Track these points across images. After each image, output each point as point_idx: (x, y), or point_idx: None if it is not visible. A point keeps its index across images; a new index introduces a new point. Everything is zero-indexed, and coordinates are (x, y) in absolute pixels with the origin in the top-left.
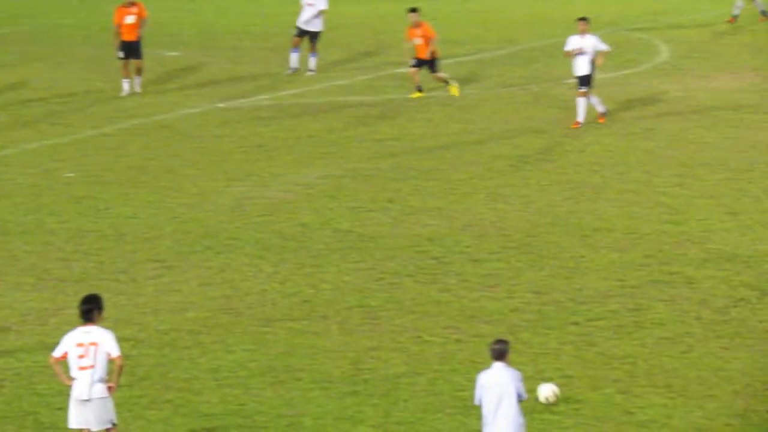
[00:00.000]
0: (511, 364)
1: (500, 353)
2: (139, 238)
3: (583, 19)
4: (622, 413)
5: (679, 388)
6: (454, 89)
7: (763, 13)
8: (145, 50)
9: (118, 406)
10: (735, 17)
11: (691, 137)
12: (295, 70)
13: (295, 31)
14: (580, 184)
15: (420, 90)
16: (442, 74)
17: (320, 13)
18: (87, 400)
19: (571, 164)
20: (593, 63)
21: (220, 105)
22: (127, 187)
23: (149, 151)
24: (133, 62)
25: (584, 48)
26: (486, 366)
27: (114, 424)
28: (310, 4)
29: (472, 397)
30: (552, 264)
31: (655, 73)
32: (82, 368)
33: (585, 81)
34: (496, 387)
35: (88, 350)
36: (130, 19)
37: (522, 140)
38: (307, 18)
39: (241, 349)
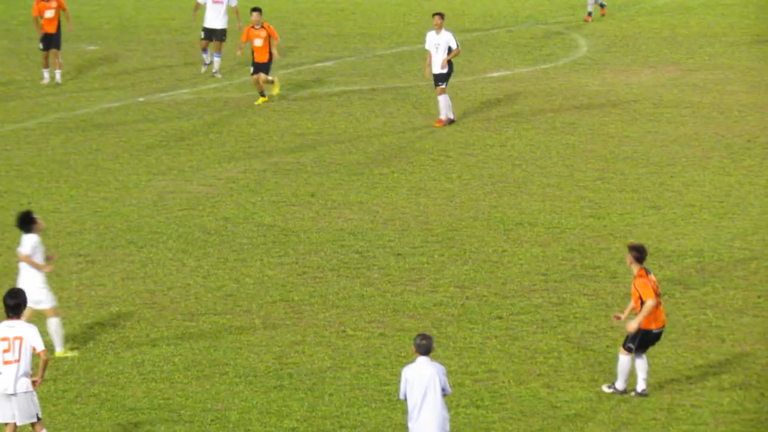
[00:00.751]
0: (435, 358)
1: (426, 348)
2: (62, 232)
3: (438, 14)
4: (548, 407)
5: (604, 383)
6: (277, 88)
7: (601, 5)
8: (65, 44)
9: (43, 400)
10: (590, 14)
11: (612, 132)
12: (209, 65)
13: (201, 33)
14: (503, 179)
15: (263, 95)
16: (271, 77)
17: (229, 10)
18: (12, 395)
19: (492, 158)
20: (450, 60)
21: (141, 99)
22: (48, 181)
23: (70, 145)
24: (52, 53)
25: (439, 44)
26: (410, 360)
27: (39, 419)
28: (217, 2)
29: (397, 390)
30: (475, 258)
31: (574, 67)
32: (7, 362)
33: (441, 78)
34: (421, 381)
35: (12, 345)
36: (49, 14)
37: (443, 134)
38: (213, 16)
39: (165, 343)
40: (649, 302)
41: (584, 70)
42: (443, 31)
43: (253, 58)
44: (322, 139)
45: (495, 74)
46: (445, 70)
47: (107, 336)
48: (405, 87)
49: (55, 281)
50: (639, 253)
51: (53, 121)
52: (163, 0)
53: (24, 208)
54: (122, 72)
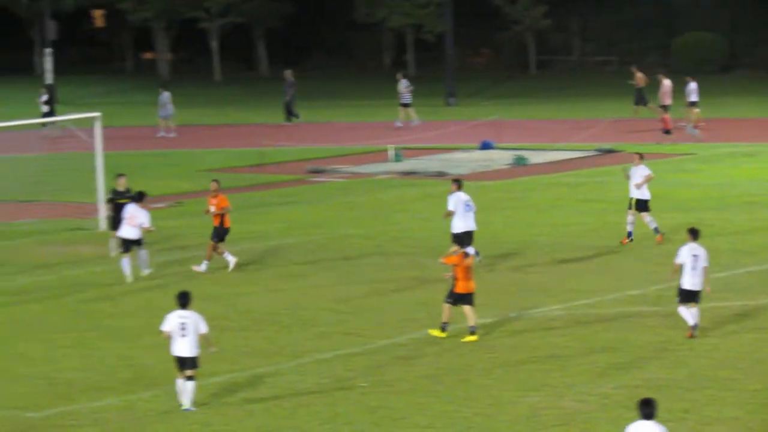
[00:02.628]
0: None
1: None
2: None
3: None
4: None
5: None
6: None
7: None
8: (432, 259)
9: None
10: None
11: None
12: None
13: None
14: None
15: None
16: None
17: None
18: None
19: None
20: None
21: (512, 315)
22: (421, 397)
23: (443, 360)
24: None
25: None
26: None
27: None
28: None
29: None
30: None
31: None
32: None
33: None
34: None
35: None
36: (213, 209)
37: None
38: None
39: None
40: None
41: None
42: None
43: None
44: (695, 353)
45: None
46: None
47: None
48: None
49: None
50: None
51: (425, 336)
52: (532, 216)
53: None
54: (492, 287)
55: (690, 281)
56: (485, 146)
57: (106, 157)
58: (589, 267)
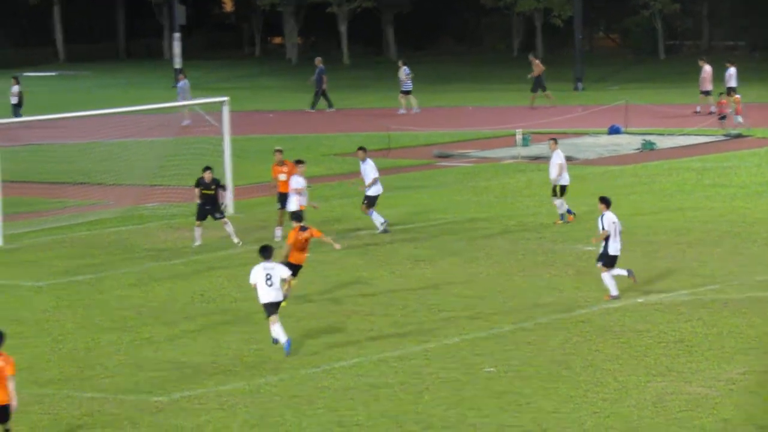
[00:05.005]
0: None
1: None
2: None
3: None
4: None
5: None
6: None
7: None
8: (562, 245)
9: None
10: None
11: None
12: None
13: None
14: None
15: None
16: None
17: None
18: None
19: None
20: None
21: (640, 300)
22: (548, 382)
23: (569, 345)
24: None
25: None
26: None
27: None
28: None
29: None
30: None
31: None
32: None
33: None
34: None
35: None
36: (282, 177)
37: None
38: None
39: None
40: None
41: None
42: None
43: None
44: None
45: None
46: None
47: None
48: None
49: None
50: None
51: (551, 322)
52: (660, 201)
53: None
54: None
55: (614, 246)
56: (613, 131)
57: (233, 142)
58: (716, 252)
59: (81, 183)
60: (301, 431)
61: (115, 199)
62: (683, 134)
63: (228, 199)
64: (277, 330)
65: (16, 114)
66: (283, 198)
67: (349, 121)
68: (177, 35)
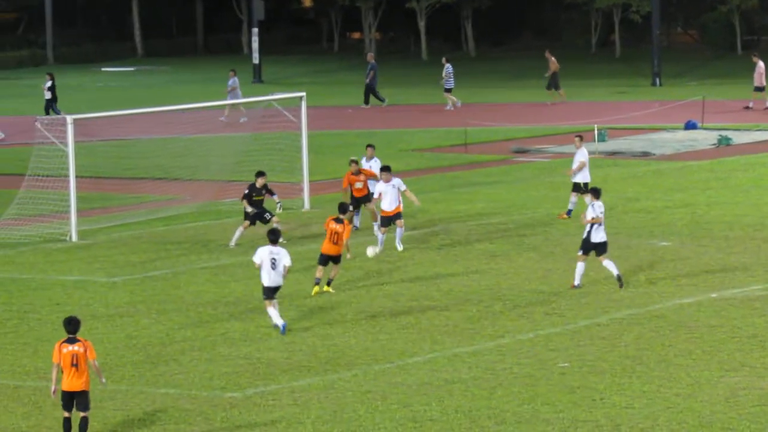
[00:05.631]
0: None
1: None
2: (635, 428)
3: None
4: None
5: None
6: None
7: None
8: (637, 240)
9: None
10: None
11: None
12: None
13: None
14: None
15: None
16: None
17: None
18: None
19: None
20: None
21: (713, 295)
22: (621, 377)
23: (643, 341)
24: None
25: None
26: None
27: None
28: None
29: None
30: None
31: None
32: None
33: None
34: None
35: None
36: (359, 185)
37: None
38: None
39: None
40: None
41: None
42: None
43: None
44: None
45: None
46: None
47: None
48: None
49: None
50: None
51: (626, 317)
52: (736, 196)
53: None
54: (695, 268)
55: (597, 234)
56: (690, 126)
57: (311, 137)
58: None
59: (158, 178)
60: (374, 427)
61: (192, 194)
62: (760, 129)
63: (305, 194)
64: (273, 313)
65: (54, 110)
66: (357, 202)
67: (427, 117)
68: (255, 30)
